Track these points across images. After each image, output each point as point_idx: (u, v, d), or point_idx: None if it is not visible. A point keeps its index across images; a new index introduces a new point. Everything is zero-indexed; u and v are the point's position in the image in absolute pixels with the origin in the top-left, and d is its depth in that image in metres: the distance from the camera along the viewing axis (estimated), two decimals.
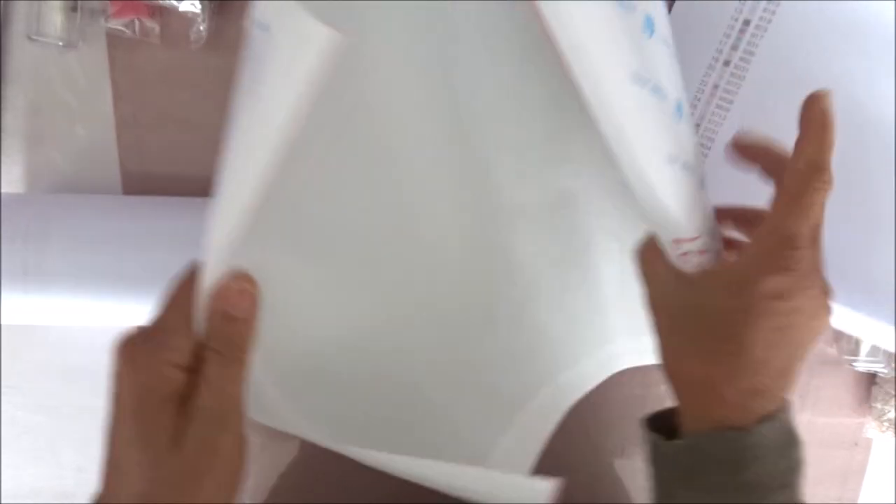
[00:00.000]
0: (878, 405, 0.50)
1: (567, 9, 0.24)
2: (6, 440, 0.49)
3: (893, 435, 0.50)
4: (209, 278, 0.27)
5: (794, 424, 0.31)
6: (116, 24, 0.44)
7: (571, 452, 0.48)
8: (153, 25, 0.45)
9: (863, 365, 0.49)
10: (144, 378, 0.27)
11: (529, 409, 0.44)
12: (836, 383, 0.51)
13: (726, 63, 0.44)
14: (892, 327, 0.42)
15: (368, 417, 0.38)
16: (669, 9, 0.44)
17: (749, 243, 0.31)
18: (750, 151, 0.32)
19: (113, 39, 0.46)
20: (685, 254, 0.31)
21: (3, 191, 0.46)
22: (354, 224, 0.35)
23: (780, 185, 0.30)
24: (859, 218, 0.43)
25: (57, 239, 0.41)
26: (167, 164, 0.47)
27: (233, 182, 0.26)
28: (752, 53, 0.44)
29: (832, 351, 0.50)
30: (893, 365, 0.48)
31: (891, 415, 0.49)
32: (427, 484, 0.34)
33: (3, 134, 0.46)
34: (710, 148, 0.45)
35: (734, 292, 0.29)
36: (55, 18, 0.44)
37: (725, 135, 0.44)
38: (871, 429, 0.51)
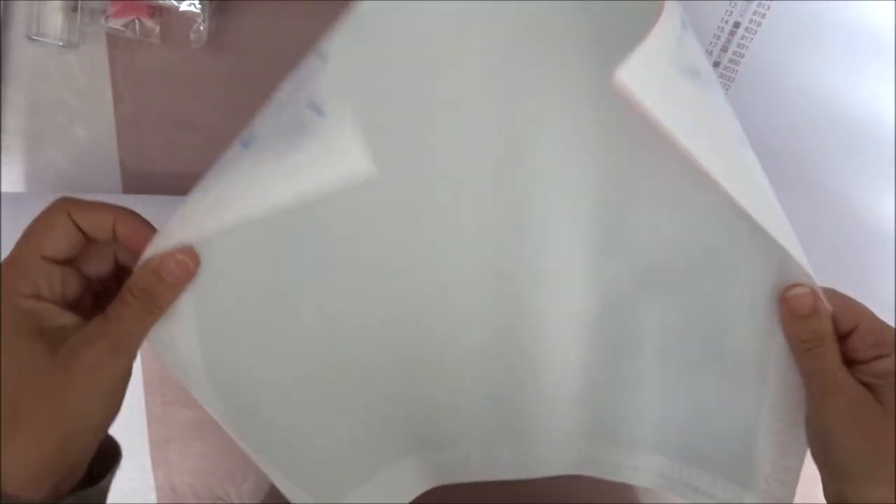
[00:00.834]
0: None
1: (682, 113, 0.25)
2: None
3: None
4: (161, 241, 0.28)
5: None
6: (116, 24, 0.45)
7: None
8: (153, 25, 0.45)
9: None
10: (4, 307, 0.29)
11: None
12: None
13: (716, 65, 0.45)
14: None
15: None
16: None
17: None
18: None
19: (113, 39, 0.46)
20: None
21: (3, 191, 0.47)
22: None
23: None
24: (855, 223, 0.44)
25: None
26: (167, 163, 0.47)
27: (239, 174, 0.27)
28: (741, 55, 0.45)
29: None
30: None
31: None
32: None
33: (3, 134, 0.46)
34: None
35: None
36: (55, 18, 0.44)
37: None
38: None
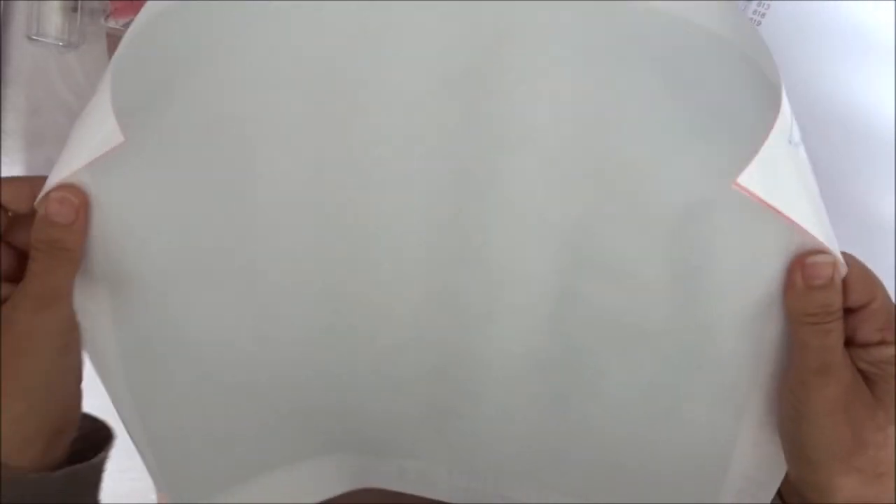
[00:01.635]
0: None
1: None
2: None
3: None
4: (46, 187, 0.29)
5: None
6: (116, 24, 0.45)
7: None
8: None
9: None
10: None
11: None
12: None
13: None
14: None
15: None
16: None
17: None
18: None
19: (113, 39, 0.46)
20: None
21: None
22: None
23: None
24: (855, 223, 0.43)
25: None
26: None
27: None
28: None
29: None
30: None
31: None
32: None
33: (3, 134, 0.46)
34: None
35: None
36: (55, 18, 0.44)
37: None
38: None
